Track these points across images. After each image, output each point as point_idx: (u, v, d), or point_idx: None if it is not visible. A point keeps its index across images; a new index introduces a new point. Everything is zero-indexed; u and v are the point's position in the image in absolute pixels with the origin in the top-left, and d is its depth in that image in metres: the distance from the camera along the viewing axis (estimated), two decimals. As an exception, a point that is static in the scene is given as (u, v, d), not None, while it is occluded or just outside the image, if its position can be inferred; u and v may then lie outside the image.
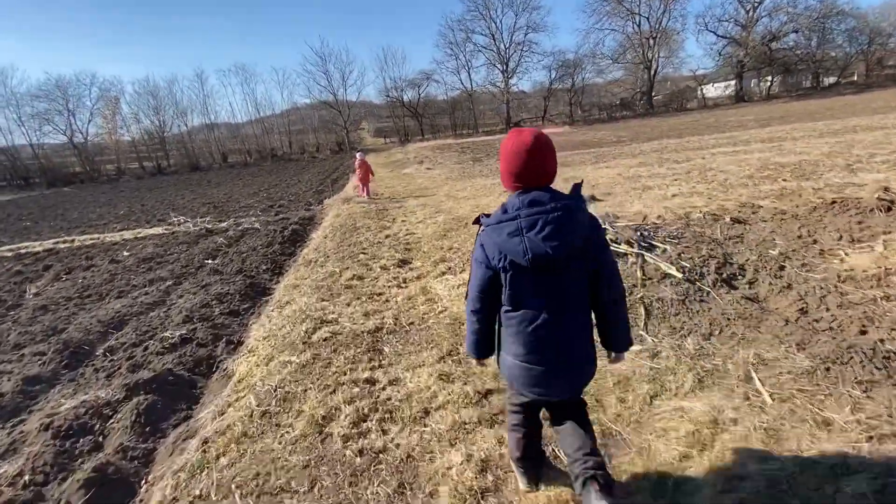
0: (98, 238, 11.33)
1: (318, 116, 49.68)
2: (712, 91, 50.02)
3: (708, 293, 3.55)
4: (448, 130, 48.72)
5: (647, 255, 4.13)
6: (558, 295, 1.60)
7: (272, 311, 4.58)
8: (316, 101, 49.30)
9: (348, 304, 4.38)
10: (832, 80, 45.49)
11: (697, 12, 66.86)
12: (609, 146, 18.18)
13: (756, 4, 43.50)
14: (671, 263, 3.93)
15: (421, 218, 8.18)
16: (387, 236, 7.05)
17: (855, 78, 45.35)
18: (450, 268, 5.06)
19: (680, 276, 3.73)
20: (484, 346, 1.82)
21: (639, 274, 3.88)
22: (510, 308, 1.66)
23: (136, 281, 6.47)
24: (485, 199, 9.27)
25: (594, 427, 1.94)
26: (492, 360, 1.88)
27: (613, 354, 1.83)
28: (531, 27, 47.59)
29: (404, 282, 4.92)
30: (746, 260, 4.08)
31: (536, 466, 2.06)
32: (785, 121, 19.47)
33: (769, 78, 46.43)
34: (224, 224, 11.02)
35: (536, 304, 1.61)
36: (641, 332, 3.18)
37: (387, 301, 4.41)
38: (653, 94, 47.72)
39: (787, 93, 45.05)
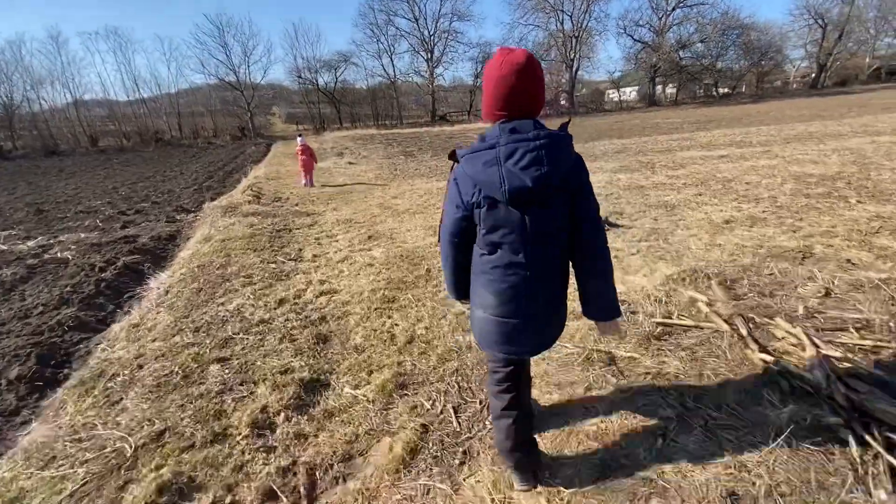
0: None
1: (218, 98, 42.75)
2: (621, 95, 51.94)
3: None
4: (369, 120, 44.94)
5: None
6: (537, 235, 1.36)
7: None
8: (212, 77, 42.36)
9: None
10: (725, 90, 49.32)
11: (617, 14, 69.50)
12: (555, 144, 16.26)
13: (668, 11, 45.40)
14: None
15: (345, 251, 5.08)
16: (281, 302, 3.66)
17: (744, 89, 49.62)
18: (427, 425, 2.10)
19: None
20: (465, 287, 1.60)
21: None
22: (484, 252, 1.44)
23: None
24: (438, 212, 6.49)
25: None
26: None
27: (600, 324, 1.52)
28: (456, 14, 45.56)
29: None
30: None
31: (533, 455, 1.70)
32: (719, 125, 19.07)
33: (672, 84, 49.14)
34: (25, 245, 6.97)
35: (512, 245, 1.38)
36: None
37: None
38: (574, 93, 48.10)
39: (690, 99, 48.00)
